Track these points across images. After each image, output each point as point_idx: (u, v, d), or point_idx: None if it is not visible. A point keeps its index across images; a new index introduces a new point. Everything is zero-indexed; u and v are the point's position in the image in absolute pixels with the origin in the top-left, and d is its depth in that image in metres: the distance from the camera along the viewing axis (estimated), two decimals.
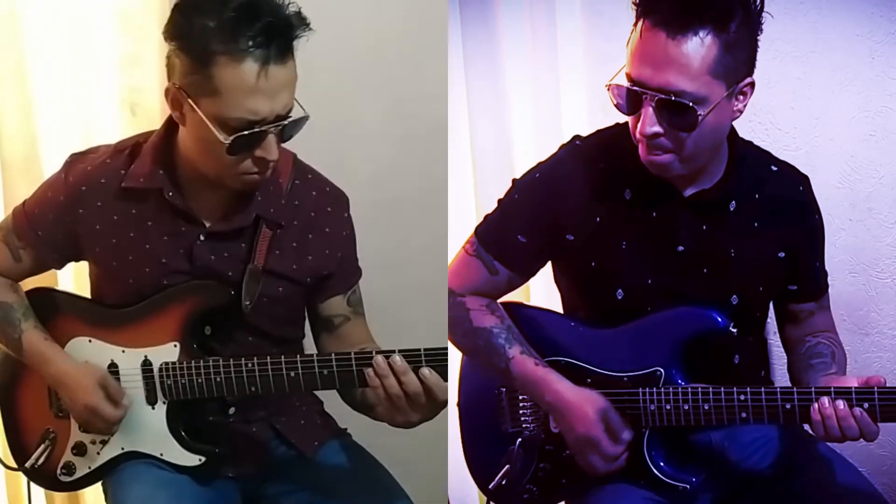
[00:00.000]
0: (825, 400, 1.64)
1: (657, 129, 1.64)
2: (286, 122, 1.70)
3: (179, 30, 1.68)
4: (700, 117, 1.62)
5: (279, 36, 1.65)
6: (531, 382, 1.80)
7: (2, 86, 2.20)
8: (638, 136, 1.67)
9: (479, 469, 1.97)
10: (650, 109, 1.63)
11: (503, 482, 1.83)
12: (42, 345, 1.88)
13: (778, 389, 1.69)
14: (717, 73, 1.61)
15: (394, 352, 1.69)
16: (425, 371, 1.67)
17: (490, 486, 1.85)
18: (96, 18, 2.24)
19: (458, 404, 2.00)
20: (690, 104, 1.60)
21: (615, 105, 1.70)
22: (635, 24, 1.64)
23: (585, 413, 1.76)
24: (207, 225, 1.84)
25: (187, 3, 1.70)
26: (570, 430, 1.78)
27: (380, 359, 1.67)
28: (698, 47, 1.59)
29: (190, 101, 1.69)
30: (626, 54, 1.67)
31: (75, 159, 1.91)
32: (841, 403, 1.63)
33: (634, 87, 1.63)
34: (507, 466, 1.83)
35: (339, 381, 1.74)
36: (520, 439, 1.86)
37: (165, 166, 1.83)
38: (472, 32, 2.37)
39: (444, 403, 1.70)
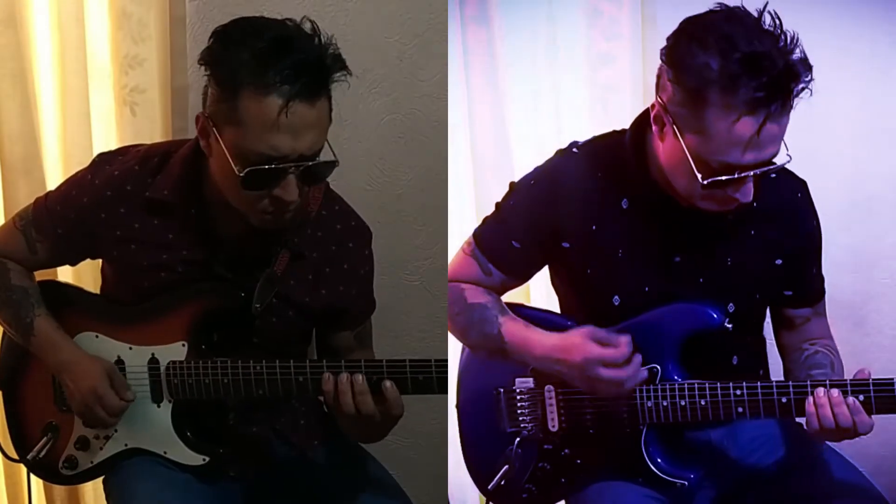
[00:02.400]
0: (820, 390, 1.65)
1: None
2: (309, 164, 1.68)
3: (214, 57, 1.68)
4: (789, 159, 1.62)
5: (309, 74, 1.63)
6: (520, 343, 1.80)
7: (2, 86, 2.19)
8: (722, 202, 1.65)
9: (479, 469, 1.97)
10: (751, 181, 1.61)
11: (502, 482, 1.83)
12: (53, 332, 1.88)
13: (774, 383, 1.69)
14: None
15: (405, 363, 1.71)
16: (386, 383, 1.70)
17: (489, 487, 1.85)
18: (96, 18, 2.23)
19: (457, 405, 2.00)
20: (786, 161, 1.62)
21: (701, 185, 1.62)
22: (701, 108, 1.57)
23: (574, 341, 1.74)
24: (228, 246, 1.84)
25: (226, 31, 1.69)
26: (569, 366, 1.75)
27: (343, 377, 1.70)
28: (789, 114, 1.58)
29: (214, 129, 1.68)
30: (697, 139, 1.60)
31: (103, 160, 1.90)
32: (835, 391, 1.64)
33: (738, 176, 1.59)
34: (505, 466, 1.83)
35: None
36: (518, 439, 1.86)
37: (192, 182, 1.82)
38: (472, 32, 2.37)
39: (396, 419, 1.73)
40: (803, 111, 2.24)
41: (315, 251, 1.88)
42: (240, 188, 1.68)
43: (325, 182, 1.90)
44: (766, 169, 1.60)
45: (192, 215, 1.82)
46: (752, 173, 1.60)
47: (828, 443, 1.85)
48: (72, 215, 1.88)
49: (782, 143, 1.61)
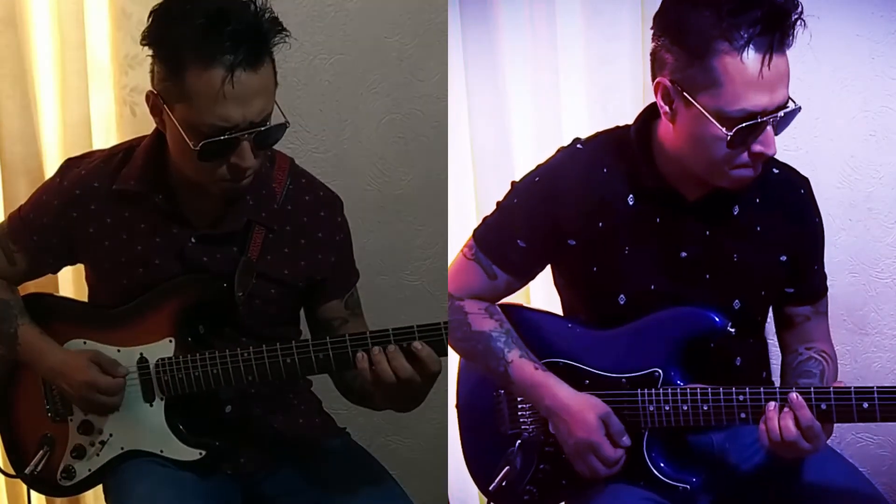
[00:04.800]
0: (770, 404, 1.65)
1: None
2: (260, 130, 1.70)
3: (154, 36, 1.70)
4: (799, 110, 1.63)
5: (249, 42, 1.65)
6: (530, 387, 1.80)
7: (2, 86, 2.19)
8: (750, 162, 1.64)
9: (480, 470, 1.97)
10: (770, 130, 1.61)
11: (503, 483, 1.83)
12: (37, 339, 1.89)
13: (777, 390, 1.68)
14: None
15: (388, 333, 1.69)
16: (417, 344, 1.68)
17: (490, 488, 1.85)
18: (96, 18, 2.23)
19: (458, 406, 2.00)
20: (797, 106, 1.61)
21: (727, 142, 1.61)
22: (707, 58, 1.58)
23: (586, 418, 1.76)
24: (198, 228, 1.85)
25: (162, 9, 1.70)
26: (570, 435, 1.77)
27: (376, 350, 1.68)
28: (789, 51, 1.59)
29: (165, 107, 1.71)
30: (711, 94, 1.59)
31: (70, 164, 1.92)
32: (771, 404, 1.65)
33: (760, 120, 1.59)
34: (506, 468, 1.83)
35: (334, 364, 1.74)
36: (519, 441, 1.86)
37: (156, 170, 1.83)
38: (472, 32, 2.37)
39: (437, 375, 1.70)
40: (804, 111, 2.26)
41: (287, 225, 1.88)
42: (196, 161, 1.70)
43: (289, 159, 1.92)
44: (786, 111, 1.60)
45: (160, 201, 1.83)
46: (771, 119, 1.59)
47: (827, 444, 1.86)
48: (45, 220, 1.90)
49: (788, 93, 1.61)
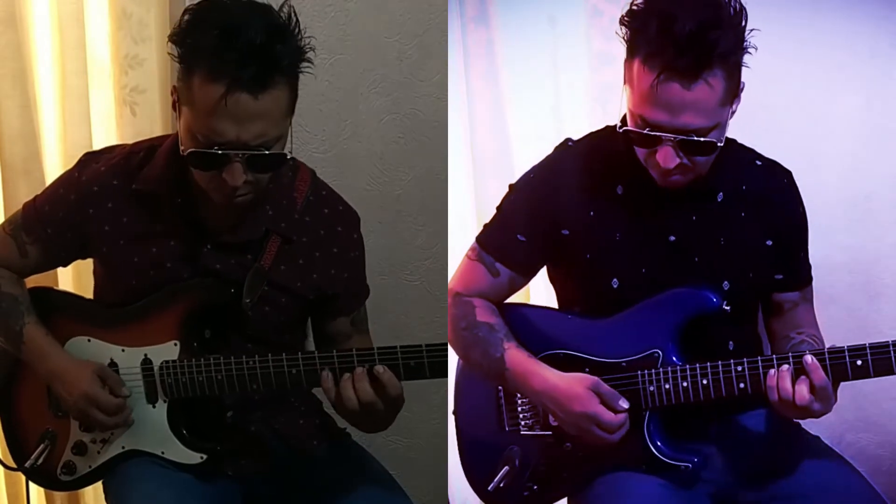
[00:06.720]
0: (784, 366, 1.68)
1: (678, 160, 1.69)
2: (253, 153, 1.68)
3: (179, 36, 1.70)
4: (719, 144, 1.68)
5: (256, 66, 1.63)
6: (522, 373, 1.83)
7: (2, 86, 2.20)
8: (656, 167, 1.72)
9: (477, 473, 1.96)
10: (669, 147, 1.67)
11: (501, 484, 1.84)
12: (42, 339, 1.88)
13: (774, 357, 1.71)
14: (725, 100, 1.66)
15: (395, 350, 1.73)
16: (378, 368, 1.72)
17: (489, 488, 1.86)
18: (96, 18, 2.24)
19: (455, 412, 2.00)
20: (710, 138, 1.67)
21: (633, 142, 1.73)
22: (631, 60, 1.67)
23: (576, 391, 1.78)
24: (215, 234, 1.84)
25: (192, 13, 1.71)
26: (567, 412, 1.79)
27: (325, 374, 1.74)
28: (710, 87, 1.63)
29: (177, 104, 1.72)
30: (629, 91, 1.69)
31: (90, 158, 1.91)
32: (785, 367, 1.68)
33: (653, 133, 1.67)
34: (505, 468, 1.84)
35: (339, 378, 1.74)
36: (519, 436, 1.86)
37: (177, 172, 1.82)
38: (472, 32, 2.37)
39: (399, 399, 1.75)
40: (804, 111, 2.26)
41: (304, 236, 1.88)
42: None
43: (311, 171, 1.92)
44: (681, 138, 1.66)
45: (178, 204, 1.83)
46: (666, 137, 1.66)
47: (827, 443, 1.87)
48: (60, 214, 1.89)
49: (718, 128, 1.67)
